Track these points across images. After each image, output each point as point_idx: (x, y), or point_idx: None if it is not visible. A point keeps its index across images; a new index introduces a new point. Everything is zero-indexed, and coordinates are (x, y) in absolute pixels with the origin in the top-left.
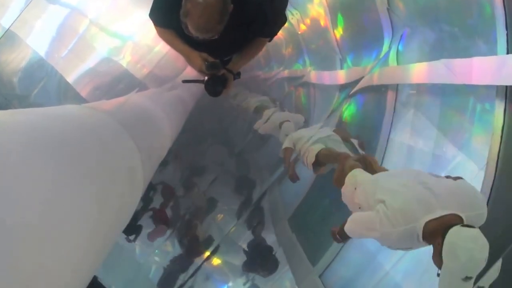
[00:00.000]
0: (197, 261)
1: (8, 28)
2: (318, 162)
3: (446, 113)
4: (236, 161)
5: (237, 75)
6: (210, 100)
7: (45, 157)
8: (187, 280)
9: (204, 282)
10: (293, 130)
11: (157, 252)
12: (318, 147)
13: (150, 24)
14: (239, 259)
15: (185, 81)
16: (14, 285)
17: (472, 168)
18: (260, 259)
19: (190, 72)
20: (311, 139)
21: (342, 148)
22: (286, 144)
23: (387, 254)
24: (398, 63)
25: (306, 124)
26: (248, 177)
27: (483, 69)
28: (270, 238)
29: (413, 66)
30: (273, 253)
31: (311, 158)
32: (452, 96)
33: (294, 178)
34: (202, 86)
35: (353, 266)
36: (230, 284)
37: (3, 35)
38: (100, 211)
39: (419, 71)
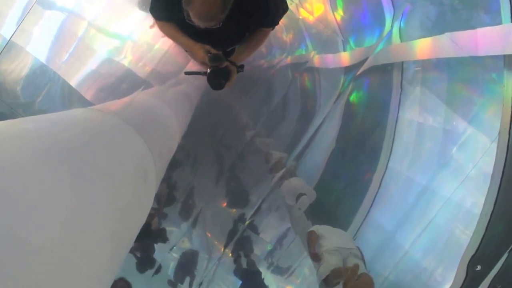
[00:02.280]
0: (216, 254)
1: (10, 39)
2: (328, 280)
3: (454, 87)
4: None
5: (240, 67)
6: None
7: (58, 164)
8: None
9: (224, 273)
10: (307, 205)
11: (174, 248)
12: (334, 261)
13: (148, 22)
14: (259, 249)
15: (187, 73)
16: None
17: (484, 141)
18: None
19: (192, 67)
20: (332, 245)
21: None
22: (313, 229)
23: (405, 233)
24: (401, 40)
25: (313, 110)
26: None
27: (488, 39)
28: (285, 226)
29: (417, 42)
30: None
31: (324, 273)
32: (458, 69)
33: (317, 260)
34: (205, 79)
35: (372, 248)
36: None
37: (5, 46)
38: (117, 213)
39: (424, 47)
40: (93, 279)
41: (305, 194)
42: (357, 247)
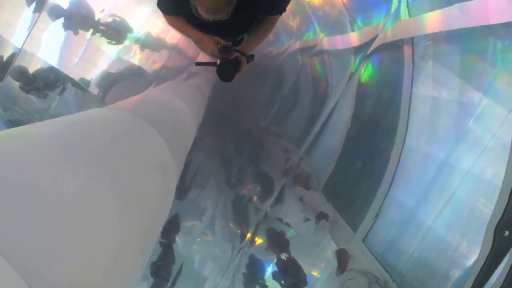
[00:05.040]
0: (240, 243)
1: (22, 47)
2: None
3: (466, 58)
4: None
5: (251, 57)
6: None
7: (79, 165)
8: (230, 262)
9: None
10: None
11: (198, 240)
12: (363, 281)
13: (154, 19)
14: None
15: (198, 64)
16: None
17: (500, 112)
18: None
19: (203, 59)
20: (363, 265)
21: None
22: (345, 248)
23: (427, 209)
24: (410, 15)
25: (326, 93)
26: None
27: (499, 6)
28: None
29: (426, 16)
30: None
31: (352, 286)
32: (469, 40)
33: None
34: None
35: (395, 226)
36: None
37: (18, 54)
38: (142, 210)
39: (434, 20)
40: (124, 277)
41: (325, 214)
42: (388, 274)
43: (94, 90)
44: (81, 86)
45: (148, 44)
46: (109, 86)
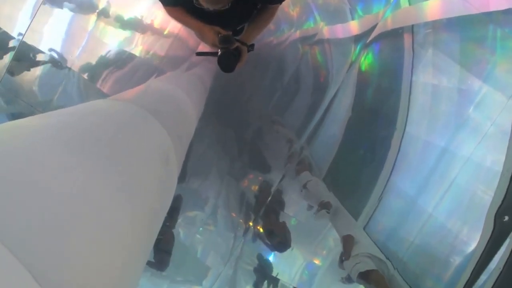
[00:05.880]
0: (241, 232)
1: (22, 39)
2: (365, 277)
3: (466, 46)
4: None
5: (251, 46)
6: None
7: (83, 156)
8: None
9: (252, 244)
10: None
11: (200, 230)
12: (372, 265)
13: (155, 10)
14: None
15: (198, 54)
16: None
17: (500, 98)
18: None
19: (203, 49)
20: (368, 250)
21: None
22: (352, 234)
23: (428, 196)
24: (410, 3)
25: (326, 81)
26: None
27: None
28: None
29: (426, 3)
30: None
31: (362, 268)
32: (469, 28)
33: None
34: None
35: (396, 214)
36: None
37: (17, 47)
38: (146, 200)
39: (433, 8)
40: (126, 269)
41: (328, 204)
42: (389, 261)
43: (96, 81)
44: (83, 78)
45: (150, 35)
46: (112, 78)
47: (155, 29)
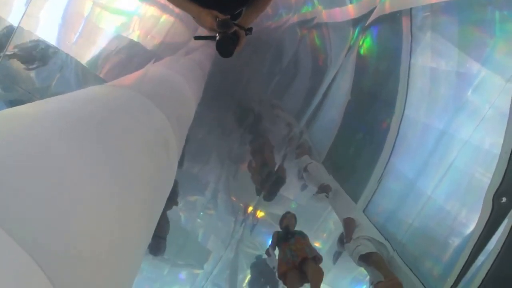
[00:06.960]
0: (242, 216)
1: (18, 25)
2: (365, 259)
3: (465, 29)
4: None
5: (249, 30)
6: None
7: (81, 142)
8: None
9: (250, 234)
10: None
11: (201, 214)
12: (372, 247)
13: None
14: (282, 209)
15: (196, 38)
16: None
17: (499, 81)
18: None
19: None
20: (368, 233)
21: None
22: (353, 217)
23: (426, 179)
24: None
25: (325, 65)
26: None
27: None
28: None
29: None
30: None
31: (363, 250)
32: (468, 10)
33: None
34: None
35: (395, 196)
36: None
37: (14, 33)
38: (146, 186)
39: None
40: (128, 253)
41: (327, 187)
42: (388, 242)
43: (93, 67)
44: (81, 64)
45: (146, 20)
46: (109, 63)
47: (153, 14)
